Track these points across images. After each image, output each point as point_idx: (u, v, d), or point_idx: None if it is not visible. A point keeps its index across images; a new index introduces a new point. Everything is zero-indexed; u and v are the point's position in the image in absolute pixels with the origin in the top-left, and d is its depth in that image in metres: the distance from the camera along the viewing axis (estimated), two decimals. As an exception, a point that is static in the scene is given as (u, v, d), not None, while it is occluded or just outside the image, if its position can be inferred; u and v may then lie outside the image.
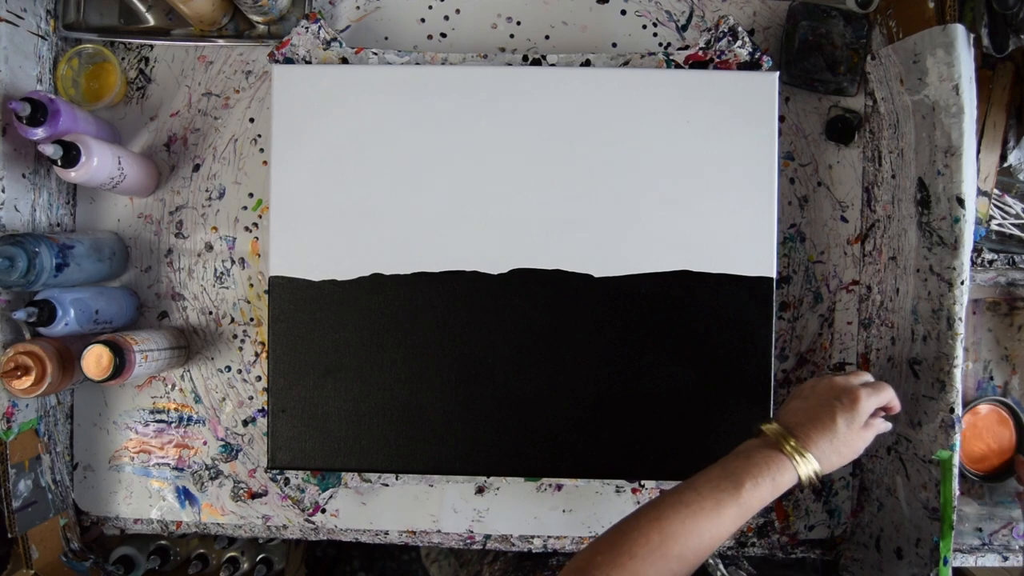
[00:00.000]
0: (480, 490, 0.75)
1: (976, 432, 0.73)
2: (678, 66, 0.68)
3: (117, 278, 0.76)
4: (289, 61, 0.68)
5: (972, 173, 0.62)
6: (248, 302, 0.76)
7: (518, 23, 0.76)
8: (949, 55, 0.61)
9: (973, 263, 0.67)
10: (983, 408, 0.73)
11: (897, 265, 0.69)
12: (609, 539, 0.48)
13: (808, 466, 0.52)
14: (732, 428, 0.66)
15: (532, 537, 0.75)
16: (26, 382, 0.63)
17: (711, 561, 0.68)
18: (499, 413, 0.66)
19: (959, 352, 0.62)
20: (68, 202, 0.76)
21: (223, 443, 0.76)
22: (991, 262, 0.69)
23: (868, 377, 0.59)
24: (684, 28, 0.75)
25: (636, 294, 0.66)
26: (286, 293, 0.67)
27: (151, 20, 0.75)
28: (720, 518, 0.49)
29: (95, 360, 0.63)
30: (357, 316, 0.66)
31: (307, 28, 0.69)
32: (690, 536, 0.48)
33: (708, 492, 0.50)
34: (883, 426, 0.58)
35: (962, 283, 0.61)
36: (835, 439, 0.53)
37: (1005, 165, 0.70)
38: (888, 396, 0.58)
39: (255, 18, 0.73)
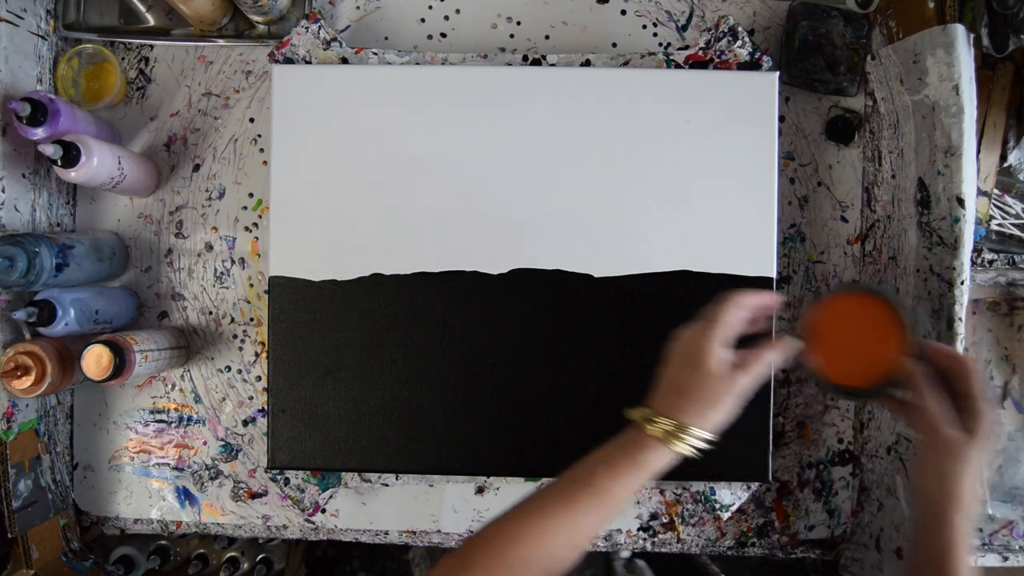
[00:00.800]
0: (480, 490, 0.75)
1: (840, 332, 0.56)
2: (678, 66, 0.68)
3: (117, 278, 0.76)
4: (289, 61, 0.68)
5: (972, 173, 0.62)
6: (248, 302, 0.76)
7: (518, 23, 0.76)
8: (949, 55, 0.61)
9: (973, 263, 0.67)
10: (846, 301, 0.56)
11: (897, 265, 0.69)
12: (462, 546, 0.47)
13: (673, 433, 0.47)
14: (732, 428, 0.66)
15: (532, 537, 0.75)
16: (26, 382, 0.63)
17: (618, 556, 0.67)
18: (499, 413, 0.66)
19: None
20: (68, 202, 0.76)
21: (223, 443, 0.76)
22: (991, 262, 0.69)
23: (716, 307, 0.51)
24: (684, 28, 0.75)
25: (636, 294, 0.66)
26: (286, 293, 0.67)
27: (151, 20, 0.75)
28: (573, 514, 0.46)
29: (95, 360, 0.63)
30: (357, 316, 0.66)
31: (307, 28, 0.69)
32: (537, 538, 0.46)
33: (562, 488, 0.48)
34: (761, 357, 0.50)
35: (962, 283, 0.61)
36: (689, 392, 0.48)
37: (1005, 165, 0.70)
38: (731, 312, 0.50)
39: (255, 18, 0.73)
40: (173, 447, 0.76)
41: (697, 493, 0.70)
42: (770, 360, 0.51)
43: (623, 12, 0.75)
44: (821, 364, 0.55)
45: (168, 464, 0.77)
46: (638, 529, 0.74)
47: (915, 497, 0.52)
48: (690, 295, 0.66)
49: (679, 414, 0.48)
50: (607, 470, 0.48)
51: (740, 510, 0.76)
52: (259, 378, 0.76)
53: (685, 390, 0.49)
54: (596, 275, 0.66)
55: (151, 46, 0.76)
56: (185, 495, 0.77)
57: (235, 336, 0.76)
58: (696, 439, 0.48)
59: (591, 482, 0.47)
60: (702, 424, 0.48)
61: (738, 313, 0.50)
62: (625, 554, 0.67)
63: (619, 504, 0.48)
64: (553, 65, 0.69)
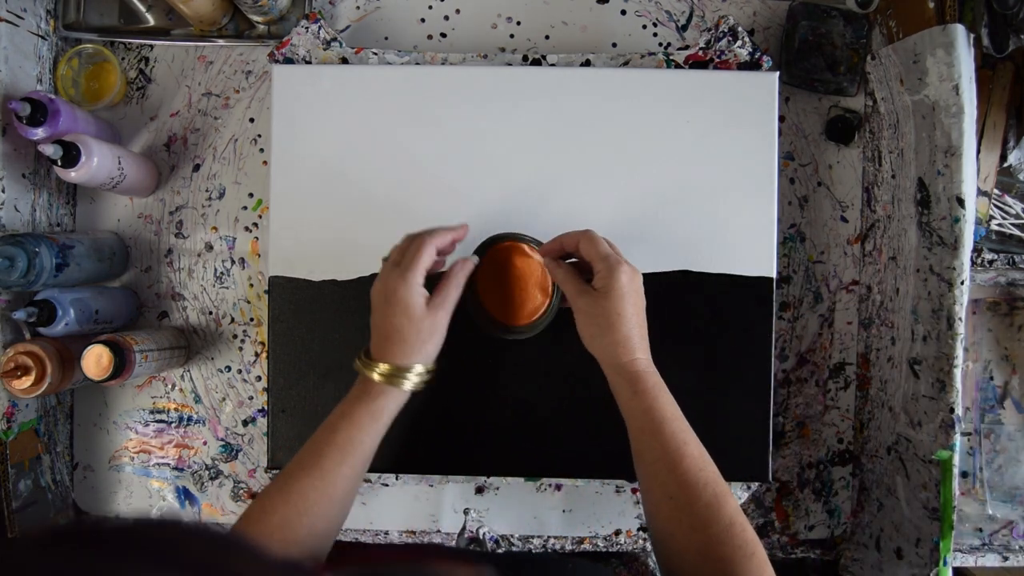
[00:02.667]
0: (480, 490, 0.75)
1: (499, 282, 0.60)
2: (678, 66, 0.68)
3: (117, 278, 0.76)
4: (289, 61, 0.68)
5: (972, 173, 0.62)
6: (248, 302, 0.76)
7: (518, 23, 0.76)
8: (949, 55, 0.61)
9: (973, 263, 0.67)
10: (491, 255, 0.60)
11: (897, 265, 0.69)
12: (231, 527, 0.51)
13: (393, 374, 0.51)
14: (732, 428, 0.66)
15: (532, 537, 0.75)
16: (26, 382, 0.63)
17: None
18: (499, 413, 0.66)
19: (959, 352, 0.62)
20: (68, 202, 0.76)
21: (223, 443, 0.76)
22: (991, 262, 0.69)
23: (406, 250, 0.54)
24: (684, 28, 0.75)
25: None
26: (286, 293, 0.67)
27: (151, 20, 0.75)
28: (320, 470, 0.50)
29: (95, 360, 0.63)
30: (357, 316, 0.66)
31: (307, 28, 0.69)
32: (289, 500, 0.49)
33: (308, 448, 0.51)
34: (450, 283, 0.54)
35: (962, 283, 0.62)
36: (397, 334, 0.52)
37: (1005, 165, 0.70)
38: (421, 254, 0.52)
39: (255, 18, 0.73)
40: (173, 447, 0.76)
41: (697, 493, 0.70)
42: (457, 282, 0.55)
43: (623, 12, 0.75)
44: (497, 313, 0.60)
45: (168, 464, 0.77)
46: (638, 529, 0.74)
47: (601, 366, 0.55)
48: (690, 295, 0.66)
49: (394, 357, 0.52)
50: (343, 422, 0.52)
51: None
52: (259, 378, 0.76)
53: (393, 333, 0.52)
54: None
55: (151, 46, 0.76)
56: (185, 495, 0.77)
57: (235, 336, 0.76)
58: (416, 375, 0.52)
59: (333, 438, 0.51)
60: (417, 359, 0.52)
61: (426, 255, 0.53)
62: (484, 529, 0.68)
63: (364, 451, 0.52)
64: (553, 65, 0.69)
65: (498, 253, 0.60)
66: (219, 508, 0.77)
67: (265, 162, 0.76)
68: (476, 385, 0.67)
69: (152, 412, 0.77)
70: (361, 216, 0.67)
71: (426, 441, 0.67)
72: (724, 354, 0.66)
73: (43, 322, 0.64)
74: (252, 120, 0.76)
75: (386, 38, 0.76)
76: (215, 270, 0.76)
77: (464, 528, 0.72)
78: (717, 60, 0.68)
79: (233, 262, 0.76)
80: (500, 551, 0.68)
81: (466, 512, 0.72)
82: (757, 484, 0.68)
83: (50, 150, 0.62)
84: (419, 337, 0.52)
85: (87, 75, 0.75)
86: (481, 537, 0.68)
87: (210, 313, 0.76)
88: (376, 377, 0.52)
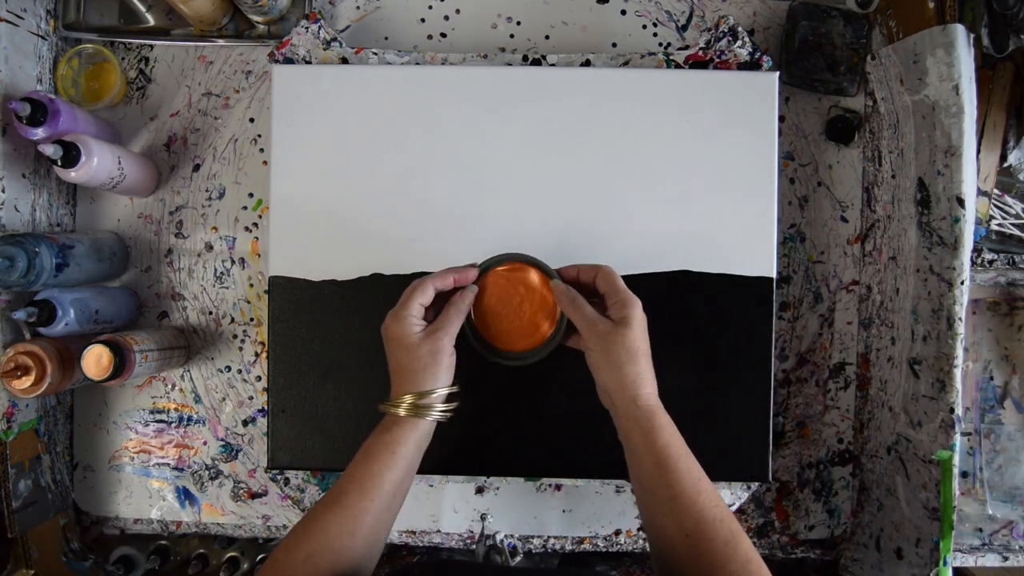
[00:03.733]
0: (480, 490, 0.75)
1: (501, 304, 0.59)
2: (678, 66, 0.68)
3: (117, 278, 0.76)
4: (289, 61, 0.68)
5: (972, 173, 0.62)
6: (248, 302, 0.76)
7: (518, 23, 0.76)
8: (949, 55, 0.61)
9: (973, 263, 0.67)
10: (493, 275, 0.59)
11: (897, 265, 0.69)
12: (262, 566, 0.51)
13: (415, 405, 0.52)
14: (732, 428, 0.66)
15: (532, 537, 0.75)
16: (26, 382, 0.63)
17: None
18: (499, 414, 0.66)
19: (959, 352, 0.62)
20: (68, 202, 0.76)
21: (223, 443, 0.76)
22: (991, 262, 0.69)
23: (405, 293, 0.56)
24: (684, 28, 0.75)
25: (636, 294, 0.66)
26: (286, 293, 0.67)
27: (151, 20, 0.75)
28: (342, 507, 0.50)
29: (95, 360, 0.63)
30: (357, 316, 0.66)
31: (307, 28, 0.69)
32: (312, 536, 0.49)
33: (335, 486, 0.52)
34: (448, 314, 0.55)
35: (962, 283, 0.62)
36: (408, 367, 0.53)
37: (1005, 165, 0.70)
38: (415, 295, 0.54)
39: (255, 18, 0.73)
40: (173, 447, 0.76)
41: (697, 493, 0.70)
42: (456, 308, 0.56)
43: (623, 12, 0.75)
44: (496, 340, 0.59)
45: (168, 464, 0.77)
46: (638, 529, 0.74)
47: (604, 399, 0.55)
48: (690, 295, 0.66)
49: (411, 387, 0.53)
50: (361, 455, 0.52)
51: (740, 510, 0.76)
52: (259, 378, 0.76)
53: (404, 368, 0.54)
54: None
55: (151, 46, 0.76)
56: (185, 495, 0.77)
57: (235, 336, 0.76)
58: (435, 400, 0.53)
59: (352, 473, 0.52)
60: (429, 384, 0.53)
61: (419, 292, 0.55)
62: (501, 536, 0.68)
63: (385, 484, 0.51)
64: (553, 65, 0.69)
65: (499, 276, 0.59)
66: (219, 508, 0.77)
67: (265, 162, 0.76)
68: (476, 385, 0.67)
69: (152, 412, 0.77)
70: (361, 216, 0.67)
71: (426, 441, 0.66)
72: (724, 354, 0.66)
73: (43, 322, 0.64)
74: (252, 120, 0.76)
75: (386, 38, 0.76)
76: (215, 270, 0.76)
77: (483, 534, 0.72)
78: (717, 60, 0.68)
79: (233, 262, 0.76)
80: (520, 559, 0.68)
81: (483, 517, 0.72)
82: (757, 484, 0.68)
83: (50, 150, 0.62)
84: (419, 363, 0.53)
85: (87, 75, 0.75)
86: (499, 544, 0.68)
87: (210, 313, 0.76)
88: (399, 412, 0.53)
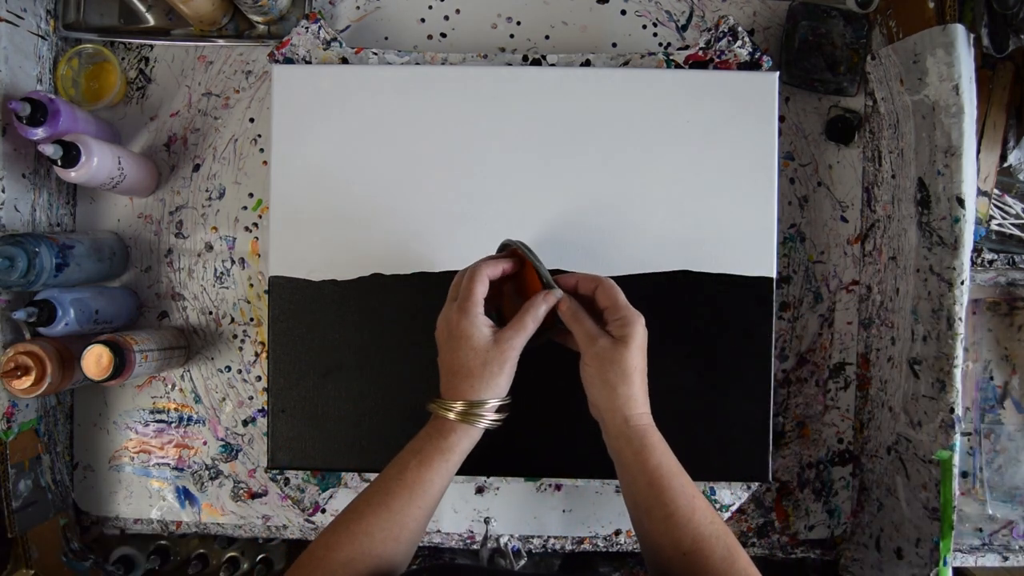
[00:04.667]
0: (480, 490, 0.75)
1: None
2: (678, 66, 0.68)
3: (117, 278, 0.76)
4: (289, 61, 0.68)
5: (972, 173, 0.62)
6: (248, 302, 0.76)
7: (518, 23, 0.76)
8: (949, 55, 0.61)
9: (973, 263, 0.67)
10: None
11: (897, 265, 0.69)
12: (295, 562, 0.49)
13: (467, 412, 0.50)
14: (732, 428, 0.66)
15: (532, 537, 0.75)
16: (26, 382, 0.63)
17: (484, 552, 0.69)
18: (499, 413, 0.66)
19: (959, 352, 0.62)
20: (68, 202, 0.76)
21: (223, 443, 0.76)
22: (991, 262, 0.69)
23: (462, 284, 0.53)
24: (684, 28, 0.75)
25: (636, 294, 0.66)
26: (286, 293, 0.67)
27: (151, 20, 0.75)
28: (388, 509, 0.49)
29: (95, 360, 0.63)
30: (357, 316, 0.66)
31: (307, 28, 0.69)
32: (355, 539, 0.47)
33: (378, 486, 0.50)
34: (526, 315, 0.52)
35: (962, 283, 0.62)
36: (467, 370, 0.50)
37: (1005, 165, 0.70)
38: (476, 286, 0.52)
39: (255, 18, 0.73)
40: (173, 447, 0.76)
41: (697, 493, 0.70)
42: (536, 314, 0.53)
43: (623, 12, 0.75)
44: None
45: (168, 464, 0.77)
46: (638, 529, 0.75)
47: (595, 413, 0.54)
48: (690, 295, 0.66)
49: (465, 393, 0.51)
50: (414, 460, 0.50)
51: (740, 510, 0.76)
52: (259, 378, 0.76)
53: (462, 370, 0.51)
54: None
55: (151, 46, 0.76)
56: (185, 495, 0.77)
57: (235, 336, 0.76)
58: (489, 410, 0.51)
59: (402, 476, 0.50)
60: (489, 394, 0.51)
61: (479, 285, 0.52)
62: (504, 539, 0.68)
63: (434, 491, 0.50)
64: (553, 65, 0.69)
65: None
66: (219, 508, 0.77)
67: (265, 162, 0.76)
68: (476, 385, 0.66)
69: (152, 412, 0.77)
70: (361, 216, 0.67)
71: (426, 441, 0.66)
72: (724, 354, 0.66)
73: (43, 322, 0.64)
74: (252, 120, 0.76)
75: (386, 38, 0.76)
76: (215, 270, 0.76)
77: (486, 538, 0.71)
78: (717, 60, 0.68)
79: (233, 262, 0.76)
80: (524, 562, 0.67)
81: (487, 521, 0.72)
82: (757, 484, 0.68)
83: (50, 150, 0.62)
84: (487, 369, 0.50)
85: (87, 75, 0.75)
86: (503, 547, 0.67)
87: (210, 313, 0.76)
88: (451, 416, 0.51)
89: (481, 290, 0.52)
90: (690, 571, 0.47)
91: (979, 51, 0.66)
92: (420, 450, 0.51)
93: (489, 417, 0.51)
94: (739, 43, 0.67)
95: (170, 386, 0.76)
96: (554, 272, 0.55)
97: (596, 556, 0.78)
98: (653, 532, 0.49)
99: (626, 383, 0.51)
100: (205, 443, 0.76)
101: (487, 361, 0.50)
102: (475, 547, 0.75)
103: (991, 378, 0.75)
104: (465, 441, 0.51)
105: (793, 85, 0.74)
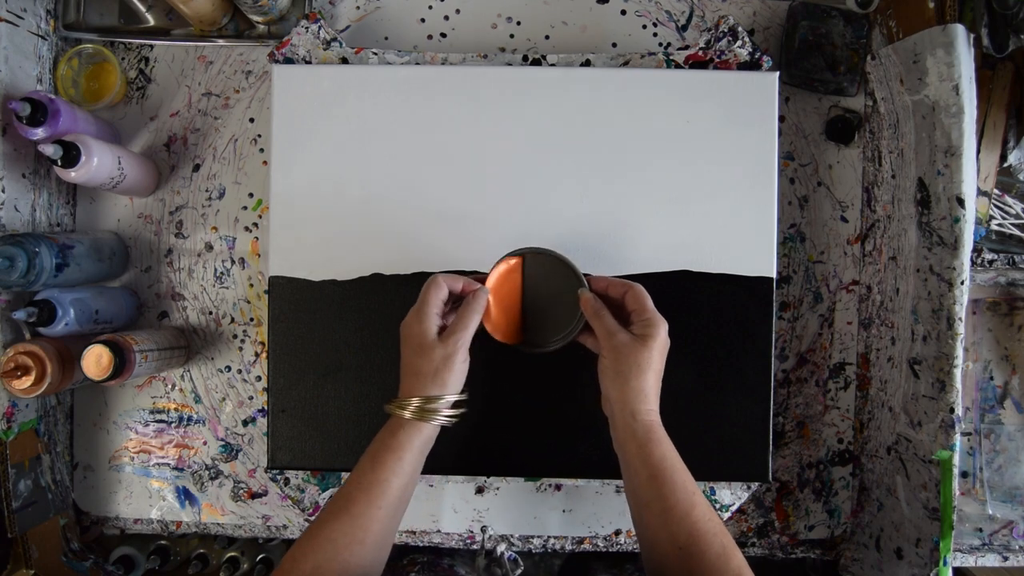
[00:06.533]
0: (480, 490, 0.75)
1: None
2: (678, 66, 0.68)
3: (117, 278, 0.76)
4: (289, 61, 0.68)
5: (972, 173, 0.62)
6: (248, 302, 0.76)
7: (518, 23, 0.76)
8: (949, 55, 0.61)
9: (973, 263, 0.67)
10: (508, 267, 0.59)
11: (897, 265, 0.69)
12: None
13: (422, 408, 0.52)
14: (732, 428, 0.66)
15: (532, 537, 0.75)
16: (26, 382, 0.63)
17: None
18: (499, 413, 0.66)
19: (959, 352, 0.62)
20: (68, 202, 0.76)
21: (223, 443, 0.76)
22: (991, 262, 0.69)
23: (421, 292, 0.56)
24: (684, 28, 0.75)
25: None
26: (286, 293, 0.67)
27: (151, 20, 0.75)
28: (349, 514, 0.50)
29: (95, 360, 0.63)
30: (357, 316, 0.66)
31: (307, 28, 0.69)
32: (320, 546, 0.48)
33: (340, 492, 0.51)
34: (463, 315, 0.54)
35: (962, 283, 0.62)
36: (420, 369, 0.53)
37: (1005, 165, 0.70)
38: (431, 293, 0.54)
39: (255, 18, 0.73)
40: (173, 447, 0.76)
41: (697, 493, 0.70)
42: (471, 308, 0.55)
43: (623, 12, 0.75)
44: (509, 333, 0.60)
45: (168, 464, 0.77)
46: (638, 529, 0.74)
47: (606, 407, 0.55)
48: (690, 295, 0.66)
49: (417, 391, 0.53)
50: (369, 462, 0.52)
51: (740, 510, 0.76)
52: (259, 378, 0.76)
53: (416, 370, 0.53)
54: (596, 275, 0.66)
55: (151, 46, 0.76)
56: (185, 495, 0.77)
57: (235, 336, 0.76)
58: (443, 406, 0.53)
59: (359, 480, 0.51)
60: (439, 390, 0.53)
61: (435, 291, 0.55)
62: (501, 548, 0.68)
63: (392, 490, 0.51)
64: (553, 65, 0.69)
65: (508, 270, 0.60)
66: (219, 508, 0.77)
67: (265, 162, 0.76)
68: (476, 386, 0.66)
69: (152, 412, 0.77)
70: (361, 216, 0.67)
71: (426, 441, 0.66)
72: (724, 354, 0.66)
73: (43, 322, 0.64)
74: (252, 120, 0.76)
75: (386, 38, 0.76)
76: (215, 270, 0.76)
77: (482, 547, 0.71)
78: (717, 60, 0.68)
79: (233, 262, 0.76)
80: (520, 570, 0.68)
81: (483, 530, 0.72)
82: (757, 484, 0.68)
83: (50, 150, 0.62)
84: (431, 366, 0.53)
85: (87, 75, 0.75)
86: (499, 555, 0.67)
87: (210, 313, 0.76)
88: (405, 414, 0.52)
89: (435, 296, 0.55)
90: (685, 566, 0.47)
91: (979, 51, 0.66)
92: (374, 452, 0.52)
93: (443, 413, 0.53)
94: (739, 43, 0.67)
95: (170, 386, 0.76)
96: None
97: (594, 561, 0.78)
98: (651, 526, 0.50)
99: (639, 377, 0.52)
100: (205, 443, 0.76)
101: (432, 359, 0.53)
102: (475, 547, 0.75)
103: (991, 378, 0.75)
104: (416, 438, 0.52)
105: (793, 85, 0.74)
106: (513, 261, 0.59)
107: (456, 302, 0.58)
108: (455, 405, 0.54)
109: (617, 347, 0.53)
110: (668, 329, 0.54)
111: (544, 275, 0.60)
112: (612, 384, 0.54)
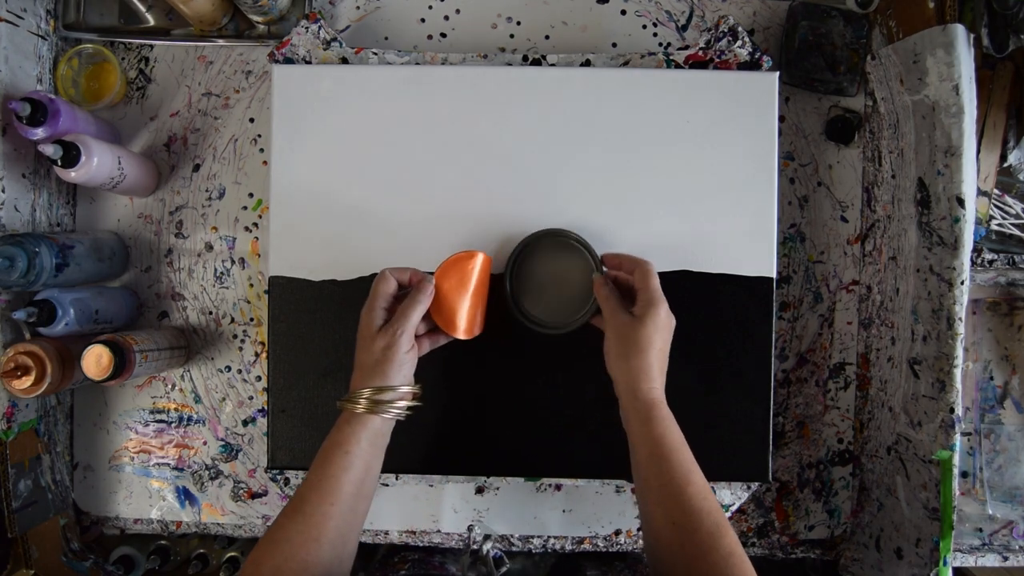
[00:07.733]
0: (480, 490, 0.75)
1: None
2: (678, 66, 0.68)
3: (117, 278, 0.76)
4: (289, 61, 0.68)
5: (972, 173, 0.62)
6: (248, 302, 0.76)
7: (518, 23, 0.76)
8: (949, 55, 0.61)
9: (973, 263, 0.67)
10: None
11: (897, 265, 0.69)
12: None
13: (372, 400, 0.52)
14: (732, 428, 0.66)
15: (532, 537, 0.75)
16: (26, 382, 0.63)
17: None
18: (499, 413, 0.66)
19: (959, 352, 0.62)
20: (68, 202, 0.76)
21: (223, 443, 0.76)
22: (991, 262, 0.69)
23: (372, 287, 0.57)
24: (684, 28, 0.75)
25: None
26: (286, 293, 0.67)
27: (151, 20, 0.75)
28: (302, 513, 0.50)
29: (95, 360, 0.63)
30: (357, 316, 0.66)
31: (307, 28, 0.69)
32: (277, 547, 0.48)
33: (296, 492, 0.51)
34: (406, 306, 0.55)
35: (962, 283, 0.62)
36: (367, 363, 0.54)
37: (1005, 165, 0.70)
38: (379, 287, 0.56)
39: (255, 18, 0.73)
40: (173, 447, 0.76)
41: (697, 493, 0.70)
42: (414, 299, 0.56)
43: (623, 12, 0.75)
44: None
45: (168, 464, 0.77)
46: (638, 529, 0.74)
47: (616, 389, 0.56)
48: (690, 295, 0.66)
49: (362, 383, 0.54)
50: (319, 460, 0.52)
51: (740, 510, 0.76)
52: (259, 378, 0.76)
53: (360, 362, 0.55)
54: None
55: (151, 46, 0.76)
56: (185, 495, 0.77)
57: (235, 336, 0.76)
58: (394, 397, 0.53)
59: (309, 478, 0.51)
60: (384, 380, 0.53)
61: (382, 285, 0.56)
62: (487, 547, 0.68)
63: (343, 486, 0.51)
64: (553, 65, 0.69)
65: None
66: (219, 508, 0.77)
67: (265, 162, 0.76)
68: (476, 386, 0.67)
69: (152, 412, 0.77)
70: (361, 216, 0.67)
71: (426, 441, 0.66)
72: (724, 354, 0.66)
73: (43, 322, 0.64)
74: (252, 120, 0.76)
75: (386, 38, 0.76)
76: (215, 270, 0.76)
77: (468, 545, 0.72)
78: (717, 60, 0.68)
79: (233, 262, 0.76)
80: (504, 568, 0.68)
81: (470, 529, 0.72)
82: (757, 484, 0.68)
83: (50, 150, 0.62)
84: (371, 358, 0.54)
85: (87, 75, 0.75)
86: (484, 554, 0.68)
87: (210, 313, 0.76)
88: (357, 409, 0.53)
89: (382, 289, 0.56)
90: (677, 541, 0.48)
91: (979, 51, 0.66)
92: (323, 449, 0.52)
93: (397, 405, 0.53)
94: (739, 43, 0.67)
95: (170, 386, 0.76)
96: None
97: (583, 559, 0.78)
98: (648, 502, 0.51)
99: (639, 356, 0.53)
100: (205, 443, 0.76)
101: (374, 351, 0.54)
102: (474, 547, 0.75)
103: (991, 378, 0.75)
104: (361, 432, 0.52)
105: (793, 85, 0.74)
106: (465, 253, 0.60)
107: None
108: (405, 397, 0.54)
109: (618, 327, 0.55)
110: (668, 307, 0.55)
111: (562, 257, 0.62)
112: (615, 364, 0.55)
